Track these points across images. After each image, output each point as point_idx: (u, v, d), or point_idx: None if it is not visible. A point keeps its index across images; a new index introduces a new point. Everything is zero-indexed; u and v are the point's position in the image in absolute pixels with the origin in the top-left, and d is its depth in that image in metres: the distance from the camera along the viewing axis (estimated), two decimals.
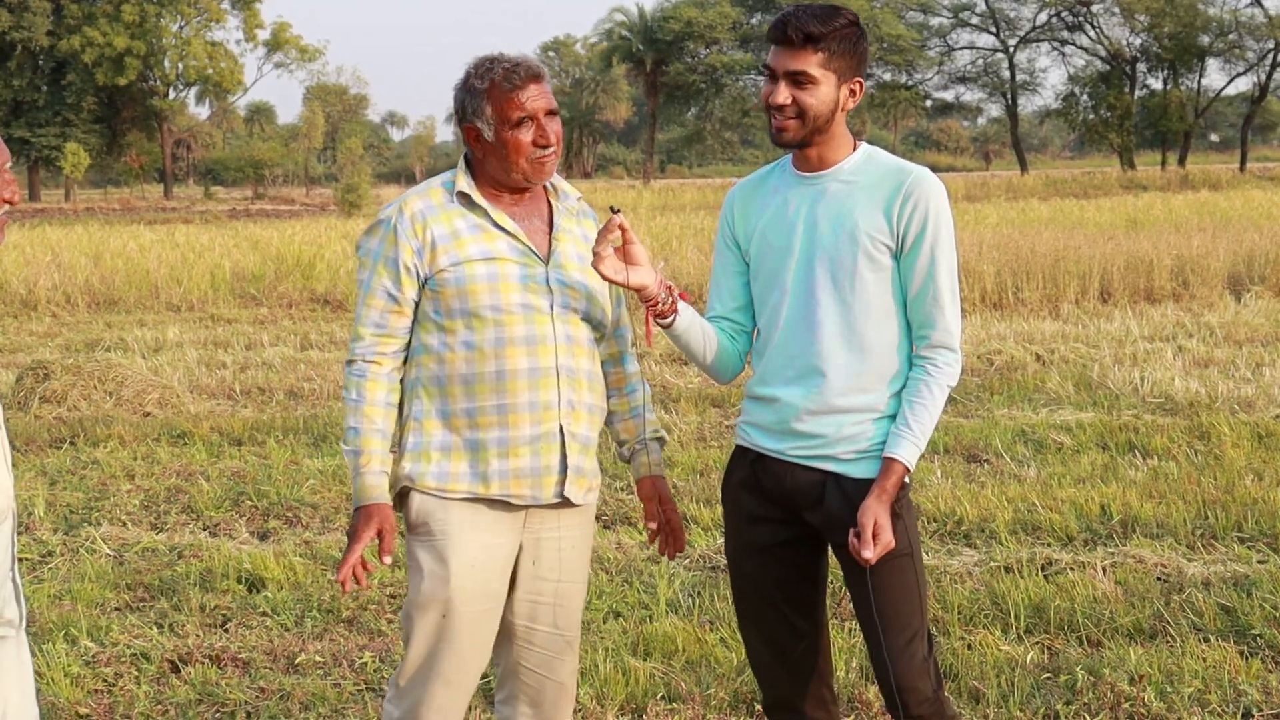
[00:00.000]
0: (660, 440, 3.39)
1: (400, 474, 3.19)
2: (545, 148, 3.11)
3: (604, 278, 3.00)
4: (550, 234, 3.21)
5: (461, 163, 3.23)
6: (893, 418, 3.01)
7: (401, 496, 3.20)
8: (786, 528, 3.13)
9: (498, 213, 3.15)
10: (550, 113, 3.12)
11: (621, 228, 2.98)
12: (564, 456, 3.15)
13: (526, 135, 3.10)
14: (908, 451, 2.96)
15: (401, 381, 3.21)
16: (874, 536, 2.90)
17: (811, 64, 2.95)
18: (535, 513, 3.19)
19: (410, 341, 3.20)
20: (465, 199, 3.16)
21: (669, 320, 3.10)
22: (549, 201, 3.26)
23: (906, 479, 2.99)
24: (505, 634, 3.27)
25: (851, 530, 2.93)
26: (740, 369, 3.28)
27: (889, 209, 2.98)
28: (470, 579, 3.12)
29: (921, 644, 3.03)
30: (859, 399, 3.01)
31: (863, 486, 2.99)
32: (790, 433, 3.05)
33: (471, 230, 3.13)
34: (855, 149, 3.07)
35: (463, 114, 3.16)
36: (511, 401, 3.10)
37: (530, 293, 3.12)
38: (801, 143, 3.01)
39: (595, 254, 2.98)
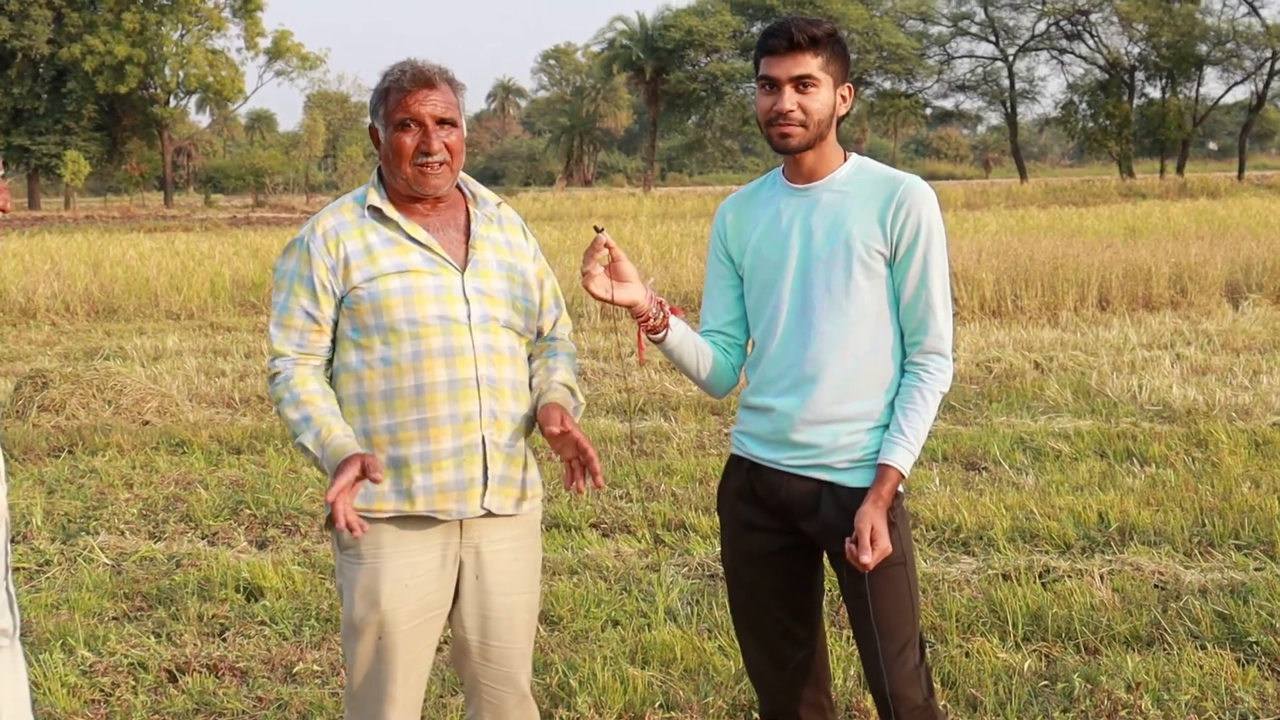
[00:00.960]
0: (571, 392, 3.23)
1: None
2: (428, 154, 3.05)
3: (594, 296, 3.01)
4: (467, 242, 3.16)
5: (374, 176, 3.20)
6: (886, 427, 3.03)
7: (333, 517, 3.15)
8: (783, 536, 3.14)
9: (410, 224, 3.11)
10: (443, 122, 3.07)
11: (608, 245, 2.99)
12: (486, 467, 3.10)
13: (410, 139, 3.05)
14: (902, 458, 2.98)
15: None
16: (871, 542, 2.91)
17: (814, 67, 2.99)
18: (470, 525, 3.14)
19: (331, 362, 3.16)
20: (377, 213, 3.12)
21: (661, 335, 3.12)
22: (467, 209, 3.22)
23: (901, 486, 3.01)
24: (461, 651, 3.24)
25: (848, 537, 2.95)
26: (735, 382, 3.29)
27: (883, 217, 3.00)
28: (402, 600, 3.09)
29: (913, 652, 3.04)
30: (854, 407, 3.02)
31: (858, 495, 3.00)
32: (786, 443, 3.07)
33: (384, 244, 3.09)
34: (845, 159, 3.10)
35: (370, 115, 3.16)
36: (431, 415, 3.04)
37: (446, 304, 3.07)
38: (805, 147, 3.03)
39: (584, 273, 3.00)
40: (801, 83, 2.99)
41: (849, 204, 3.03)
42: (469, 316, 3.09)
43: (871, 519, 2.93)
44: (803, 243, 3.05)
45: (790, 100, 2.99)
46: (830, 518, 3.03)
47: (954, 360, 3.08)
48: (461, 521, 3.13)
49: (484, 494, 3.10)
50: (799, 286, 3.05)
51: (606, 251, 3.01)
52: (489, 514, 3.13)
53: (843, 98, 3.06)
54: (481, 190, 3.25)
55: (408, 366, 3.05)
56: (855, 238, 3.00)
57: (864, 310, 3.02)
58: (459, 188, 3.23)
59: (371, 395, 3.08)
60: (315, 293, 3.08)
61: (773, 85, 3.01)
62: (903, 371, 3.06)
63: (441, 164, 3.08)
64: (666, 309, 3.12)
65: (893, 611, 3.02)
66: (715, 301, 3.26)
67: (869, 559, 2.90)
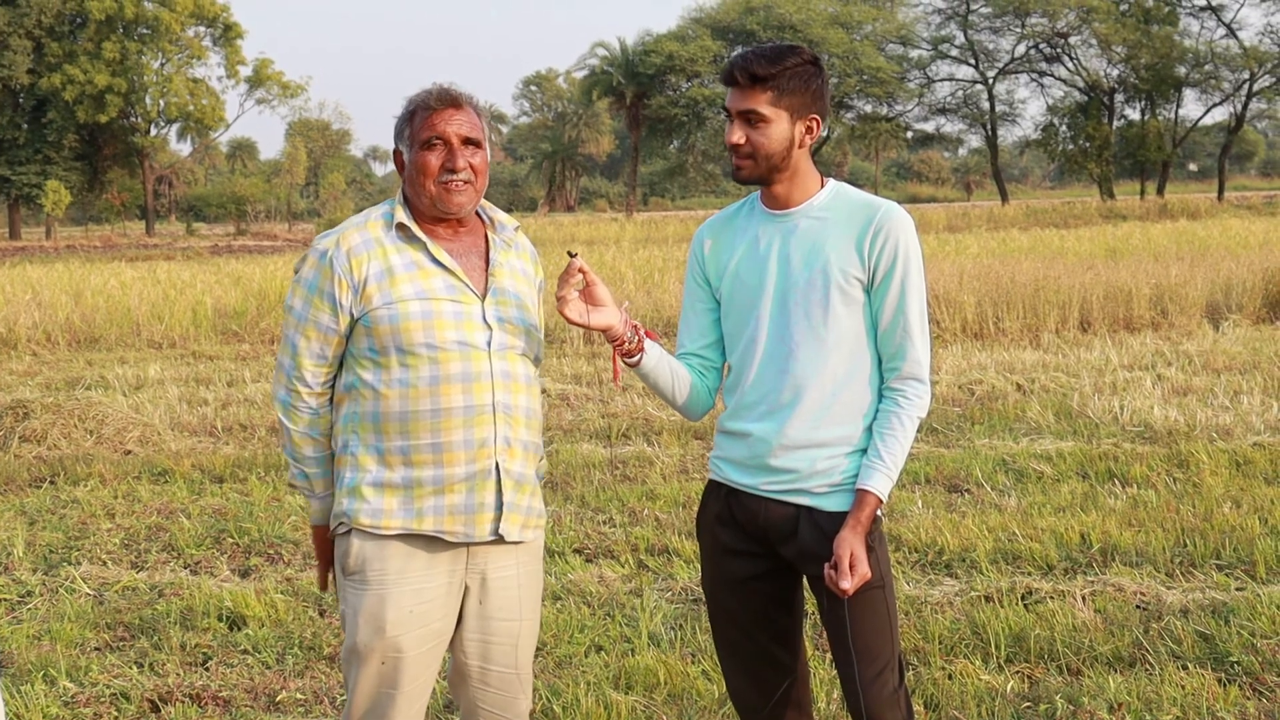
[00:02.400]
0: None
1: (338, 510, 3.15)
2: (453, 172, 3.07)
3: (568, 321, 3.03)
4: (487, 270, 3.17)
5: (399, 194, 3.21)
6: (864, 451, 3.04)
7: (339, 534, 3.17)
8: (762, 561, 3.15)
9: (436, 247, 3.12)
10: (468, 141, 3.10)
11: (582, 270, 3.01)
12: (499, 494, 3.11)
13: (435, 158, 3.07)
14: (880, 483, 2.99)
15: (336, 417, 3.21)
16: (850, 568, 2.92)
17: (761, 103, 3.00)
18: (477, 551, 3.14)
19: (345, 377, 3.16)
20: (404, 231, 3.12)
21: (636, 359, 3.14)
22: (487, 236, 3.23)
23: (879, 510, 3.02)
24: (460, 675, 3.24)
25: (827, 563, 2.96)
26: (710, 405, 3.31)
27: (860, 243, 3.02)
28: (408, 626, 3.09)
29: (892, 675, 3.05)
30: (832, 432, 3.04)
31: (835, 519, 3.01)
32: (763, 468, 3.08)
33: (407, 268, 3.09)
34: (823, 185, 3.12)
35: (395, 139, 3.18)
36: (446, 440, 3.05)
37: (466, 330, 3.08)
38: (759, 180, 3.07)
39: (559, 298, 3.02)
40: (748, 118, 3.02)
41: (827, 230, 3.05)
42: (489, 343, 3.10)
43: (850, 544, 2.94)
44: (780, 269, 3.07)
45: (738, 134, 3.03)
46: (808, 542, 3.04)
47: (936, 383, 3.10)
48: (469, 547, 3.13)
49: (497, 520, 3.11)
50: (776, 312, 3.07)
51: (581, 276, 3.03)
52: (498, 540, 3.14)
53: (808, 129, 3.06)
54: (500, 215, 3.27)
55: (425, 390, 3.05)
56: (833, 264, 3.02)
57: (841, 336, 3.03)
58: (478, 213, 3.24)
59: (387, 415, 3.08)
60: (335, 309, 3.09)
61: (729, 116, 3.05)
62: (880, 397, 3.08)
63: (465, 183, 3.10)
64: (641, 333, 3.14)
65: (871, 635, 3.03)
66: (692, 324, 3.28)
67: (848, 584, 2.91)
